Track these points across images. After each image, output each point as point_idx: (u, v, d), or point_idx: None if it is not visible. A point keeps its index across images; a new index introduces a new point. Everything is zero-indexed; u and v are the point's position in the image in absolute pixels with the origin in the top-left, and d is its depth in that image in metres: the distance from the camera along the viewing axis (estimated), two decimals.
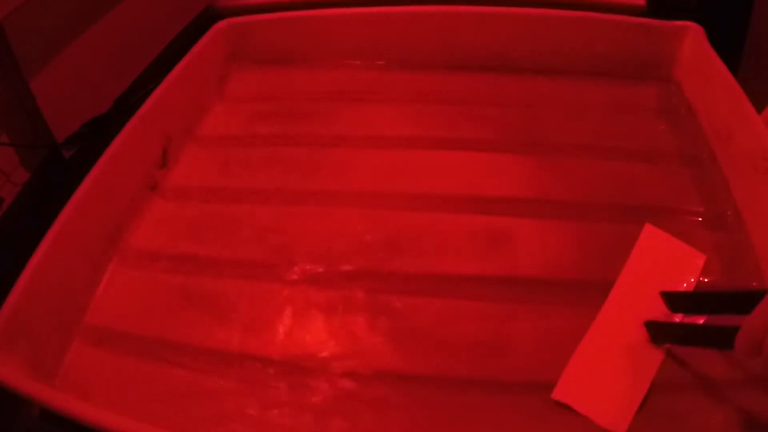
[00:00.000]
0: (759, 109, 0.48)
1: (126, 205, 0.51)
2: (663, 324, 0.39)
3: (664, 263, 0.44)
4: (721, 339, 0.35)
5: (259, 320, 0.43)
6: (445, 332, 0.42)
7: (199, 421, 0.38)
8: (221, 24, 0.64)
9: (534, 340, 0.41)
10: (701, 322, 0.40)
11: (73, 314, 0.44)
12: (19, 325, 0.39)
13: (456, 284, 0.44)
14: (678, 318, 0.40)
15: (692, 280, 0.43)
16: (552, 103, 0.59)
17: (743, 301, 0.34)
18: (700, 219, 0.48)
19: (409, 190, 0.52)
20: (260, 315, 0.44)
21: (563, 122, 0.57)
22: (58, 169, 0.57)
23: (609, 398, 0.37)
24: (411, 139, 0.56)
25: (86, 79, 0.58)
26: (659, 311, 0.40)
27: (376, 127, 0.58)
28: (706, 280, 0.43)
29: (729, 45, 0.56)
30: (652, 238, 0.45)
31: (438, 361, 0.40)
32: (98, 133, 0.58)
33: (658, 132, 0.55)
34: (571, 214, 0.48)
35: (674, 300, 0.39)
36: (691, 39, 0.58)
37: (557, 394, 0.37)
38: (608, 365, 0.39)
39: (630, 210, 0.49)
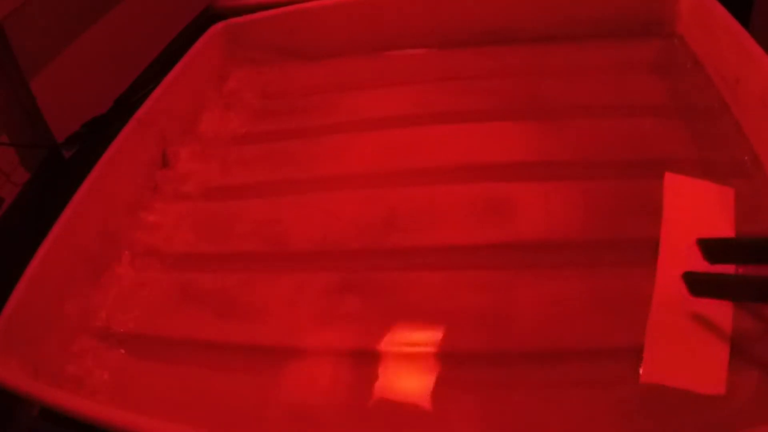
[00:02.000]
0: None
1: (126, 205, 0.51)
2: (702, 275, 0.35)
3: (698, 207, 0.41)
4: None
5: (260, 310, 0.43)
6: (446, 306, 0.39)
7: (203, 416, 0.38)
8: (218, 25, 0.64)
9: (541, 307, 0.38)
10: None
11: (74, 314, 0.44)
12: (19, 325, 0.39)
13: (456, 255, 0.42)
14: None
15: (730, 216, 0.40)
16: (555, 69, 0.57)
17: None
18: (717, 168, 0.44)
19: (406, 166, 0.50)
20: (259, 306, 0.43)
21: (567, 86, 0.54)
22: (58, 169, 0.57)
23: (697, 363, 0.33)
24: (408, 117, 0.55)
25: (86, 79, 0.59)
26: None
27: (373, 110, 0.57)
28: None
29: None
30: (676, 186, 0.42)
31: (441, 336, 0.38)
32: (98, 133, 0.58)
33: (664, 87, 0.52)
34: (575, 173, 0.46)
35: (712, 249, 0.34)
36: None
37: (645, 377, 0.33)
38: (684, 329, 0.35)
39: (640, 165, 0.46)
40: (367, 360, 0.38)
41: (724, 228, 0.39)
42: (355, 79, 0.62)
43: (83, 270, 0.45)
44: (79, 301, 0.45)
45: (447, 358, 0.37)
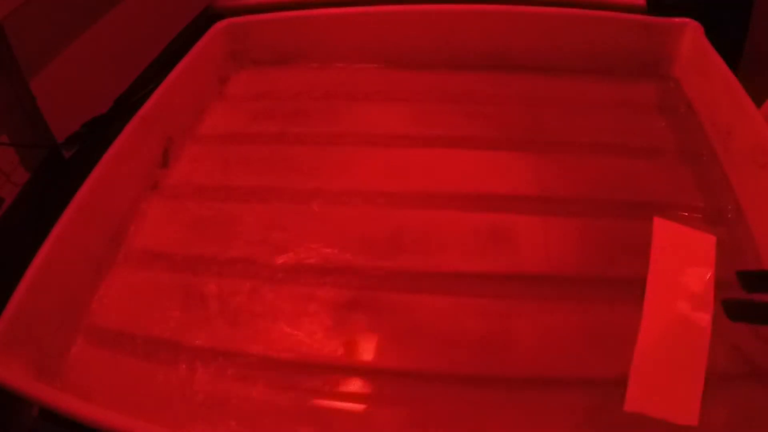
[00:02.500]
0: (758, 104, 0.48)
1: (127, 204, 0.50)
2: (743, 302, 0.38)
3: (683, 252, 0.44)
4: None
5: (262, 319, 0.43)
6: (448, 329, 0.42)
7: (201, 420, 0.38)
8: (221, 24, 0.64)
9: (537, 336, 0.41)
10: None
11: (75, 314, 0.44)
12: (21, 325, 0.39)
13: (458, 281, 0.44)
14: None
15: (711, 262, 0.44)
16: (552, 101, 0.59)
17: None
18: (701, 214, 0.48)
19: (411, 189, 0.52)
20: (263, 314, 0.44)
21: (564, 119, 0.57)
22: (58, 169, 0.56)
23: (675, 395, 0.37)
24: (412, 137, 0.56)
25: (86, 79, 0.58)
26: (698, 298, 0.41)
27: (377, 125, 0.58)
28: None
29: (729, 43, 0.56)
30: (664, 231, 0.46)
31: (441, 358, 0.40)
32: (98, 133, 0.58)
33: (658, 129, 0.56)
34: (572, 210, 0.48)
35: (751, 280, 0.38)
36: (689, 36, 0.58)
37: (630, 406, 0.37)
38: (665, 364, 0.39)
39: (631, 206, 0.49)
40: (369, 379, 0.39)
41: (705, 273, 0.43)
42: (358, 89, 0.63)
43: (85, 270, 0.45)
44: (81, 301, 0.45)
45: (447, 380, 0.39)
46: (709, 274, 0.43)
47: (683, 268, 0.43)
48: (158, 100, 0.54)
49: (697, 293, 0.42)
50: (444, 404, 0.38)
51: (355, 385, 0.39)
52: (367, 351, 0.41)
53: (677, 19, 0.58)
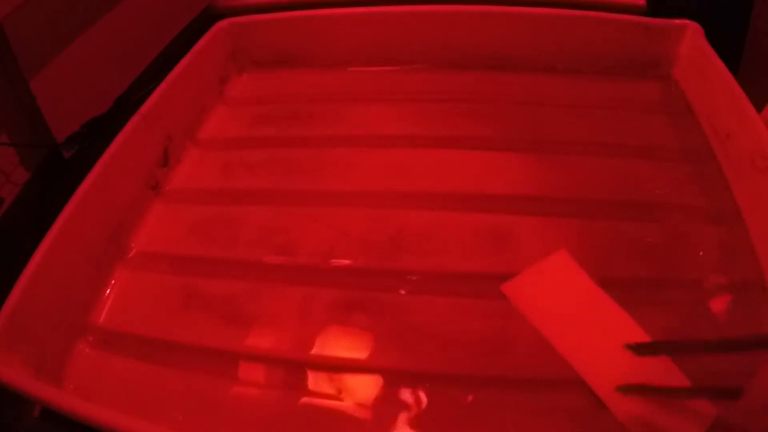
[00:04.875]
0: (759, 108, 0.48)
1: (128, 204, 0.50)
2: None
3: (549, 289, 0.44)
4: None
5: (263, 320, 0.43)
6: (449, 330, 0.42)
7: (201, 421, 0.38)
8: (222, 23, 0.64)
9: (536, 337, 0.41)
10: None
11: (76, 314, 0.44)
12: (20, 325, 0.39)
13: (459, 282, 0.44)
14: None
15: (578, 271, 0.44)
16: (553, 101, 0.59)
17: None
18: (700, 215, 0.48)
19: (412, 189, 0.52)
20: (264, 315, 0.44)
21: (564, 120, 0.57)
22: (58, 169, 0.57)
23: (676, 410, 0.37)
24: (412, 138, 0.57)
25: (86, 79, 0.58)
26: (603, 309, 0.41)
27: (378, 126, 0.58)
28: None
29: (729, 45, 0.56)
30: (516, 290, 0.44)
31: (442, 359, 0.40)
32: (98, 133, 0.58)
33: (657, 130, 0.56)
34: (572, 211, 0.49)
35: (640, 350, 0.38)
36: (689, 38, 0.58)
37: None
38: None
39: (631, 207, 0.49)
40: (371, 379, 0.40)
41: (581, 282, 0.43)
42: (359, 90, 0.63)
43: (85, 269, 0.45)
44: (81, 301, 0.45)
45: (447, 380, 0.39)
46: (584, 280, 0.43)
47: (564, 299, 0.43)
48: (159, 99, 0.54)
49: (599, 306, 0.41)
50: (443, 404, 0.38)
51: (355, 385, 0.39)
52: (367, 351, 0.41)
53: (677, 21, 0.58)
